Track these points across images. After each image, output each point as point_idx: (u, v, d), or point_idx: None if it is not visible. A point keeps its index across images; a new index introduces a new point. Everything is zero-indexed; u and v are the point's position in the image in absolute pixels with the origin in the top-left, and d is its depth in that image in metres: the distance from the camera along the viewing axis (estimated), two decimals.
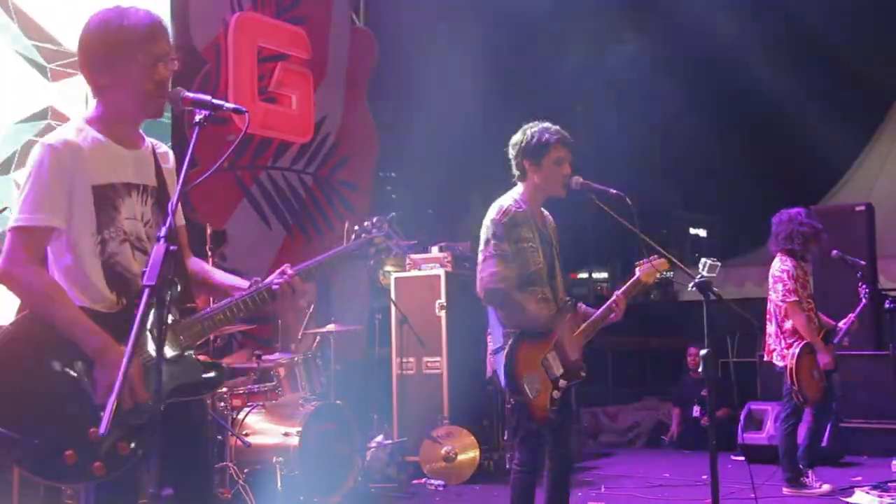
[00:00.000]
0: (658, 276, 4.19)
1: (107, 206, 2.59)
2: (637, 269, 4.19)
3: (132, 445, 2.47)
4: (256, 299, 2.73)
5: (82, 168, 2.56)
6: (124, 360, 2.14)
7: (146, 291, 2.19)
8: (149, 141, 2.79)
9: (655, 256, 4.14)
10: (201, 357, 2.74)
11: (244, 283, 2.81)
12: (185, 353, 2.63)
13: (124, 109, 2.66)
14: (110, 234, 2.59)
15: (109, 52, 2.60)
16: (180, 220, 2.86)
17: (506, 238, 3.97)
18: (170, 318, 2.53)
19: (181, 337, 2.62)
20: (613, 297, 4.12)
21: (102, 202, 2.58)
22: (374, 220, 2.97)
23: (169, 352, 2.56)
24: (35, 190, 2.51)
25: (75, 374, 2.45)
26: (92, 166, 2.58)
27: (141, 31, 2.60)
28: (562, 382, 3.97)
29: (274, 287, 2.74)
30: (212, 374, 2.69)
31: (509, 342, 3.95)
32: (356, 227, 2.98)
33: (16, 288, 2.52)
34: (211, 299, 3.17)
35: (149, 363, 2.49)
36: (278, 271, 2.78)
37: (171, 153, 2.85)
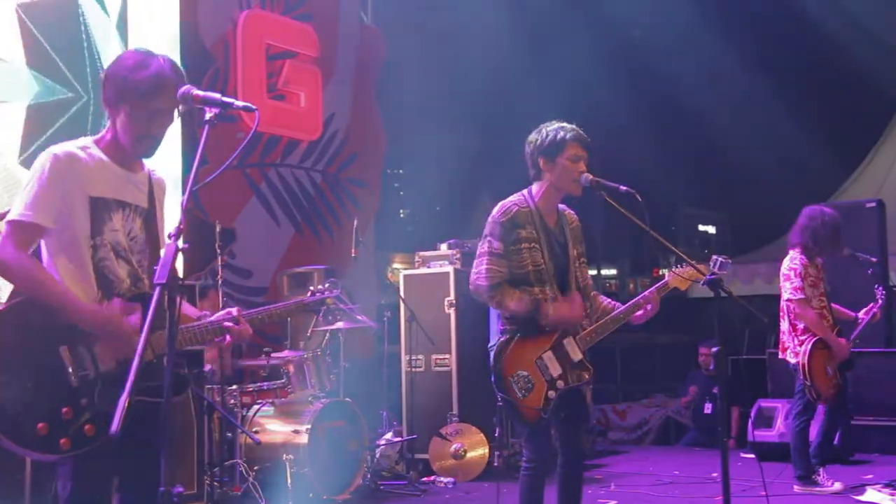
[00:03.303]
0: (689, 284, 4.10)
1: (99, 216, 2.83)
2: (667, 273, 4.12)
3: (97, 429, 2.65)
4: (206, 332, 2.91)
5: (80, 178, 2.80)
6: (140, 344, 2.26)
7: (157, 289, 2.30)
8: (148, 168, 3.02)
9: (685, 267, 4.04)
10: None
11: (195, 313, 3.03)
12: (156, 360, 2.78)
13: (122, 139, 2.88)
14: (100, 241, 2.83)
15: (115, 93, 2.83)
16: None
17: (501, 237, 3.93)
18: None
19: (157, 343, 2.77)
20: (646, 294, 4.04)
21: (96, 212, 2.82)
22: (328, 282, 3.35)
23: (147, 355, 2.71)
24: (33, 191, 2.75)
25: (60, 356, 2.68)
26: (90, 179, 2.82)
27: (144, 87, 2.78)
28: (559, 384, 3.90)
29: (225, 325, 2.92)
30: (176, 381, 2.77)
31: (500, 339, 3.93)
32: (311, 288, 3.33)
33: (5, 272, 2.74)
34: None
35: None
36: (224, 312, 2.96)
37: (164, 181, 3.09)
